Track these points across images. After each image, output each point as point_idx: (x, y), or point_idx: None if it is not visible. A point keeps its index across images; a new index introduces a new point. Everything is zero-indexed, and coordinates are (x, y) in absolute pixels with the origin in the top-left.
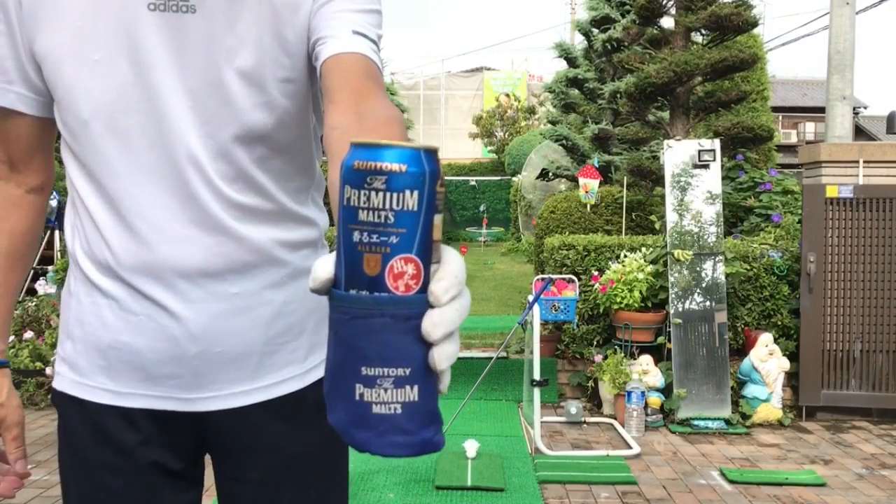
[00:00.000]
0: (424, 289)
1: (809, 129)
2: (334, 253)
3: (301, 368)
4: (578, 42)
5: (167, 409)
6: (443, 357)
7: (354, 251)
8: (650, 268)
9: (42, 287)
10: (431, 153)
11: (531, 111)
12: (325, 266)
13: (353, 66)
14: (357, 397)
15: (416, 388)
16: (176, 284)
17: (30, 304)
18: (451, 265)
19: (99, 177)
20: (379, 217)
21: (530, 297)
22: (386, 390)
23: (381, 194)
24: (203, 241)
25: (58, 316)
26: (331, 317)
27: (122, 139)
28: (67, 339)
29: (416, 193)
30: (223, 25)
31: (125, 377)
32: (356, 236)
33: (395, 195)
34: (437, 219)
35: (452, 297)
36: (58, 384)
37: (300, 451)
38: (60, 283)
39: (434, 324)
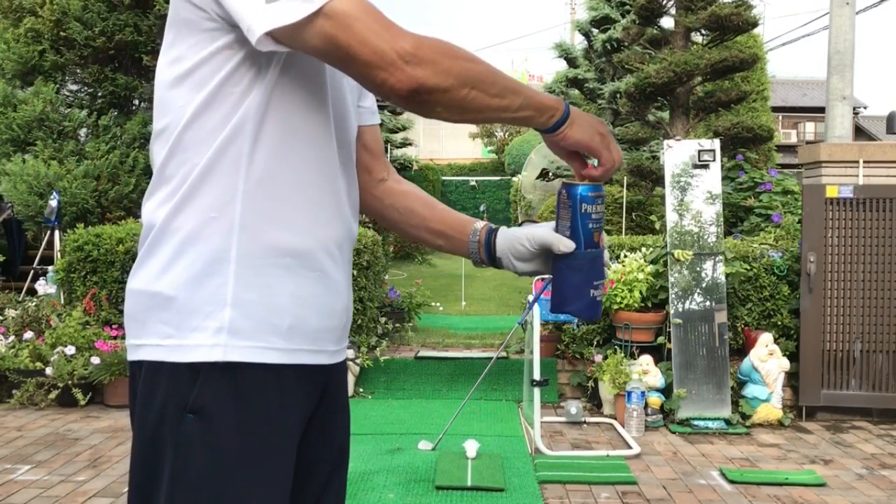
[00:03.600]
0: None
1: (809, 129)
2: (558, 233)
3: None
4: (578, 42)
5: (316, 363)
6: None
7: (589, 231)
8: (650, 268)
9: (42, 287)
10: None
11: None
12: (569, 242)
13: (379, 138)
14: (590, 296)
15: (604, 286)
16: (345, 248)
17: (30, 304)
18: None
19: (327, 151)
20: (598, 214)
21: (530, 297)
22: (599, 290)
23: (597, 206)
24: (355, 210)
25: (58, 316)
26: (574, 262)
27: (334, 121)
28: (224, 307)
29: (602, 201)
30: None
31: (296, 336)
32: (589, 225)
33: (600, 205)
34: None
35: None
36: (206, 355)
37: (349, 412)
38: (60, 283)
39: (606, 258)
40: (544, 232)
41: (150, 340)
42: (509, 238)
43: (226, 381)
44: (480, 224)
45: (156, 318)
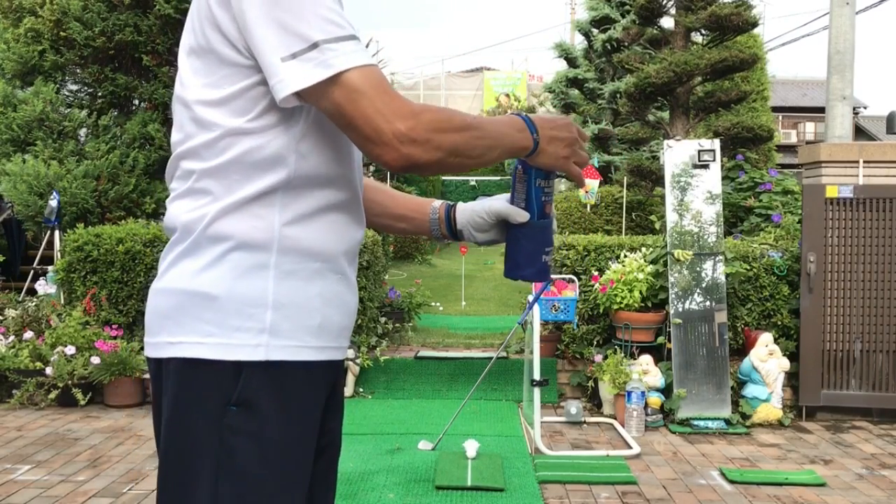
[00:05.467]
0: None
1: (809, 129)
2: (513, 205)
3: None
4: (578, 42)
5: (336, 359)
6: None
7: (541, 203)
8: (650, 268)
9: (42, 287)
10: None
11: (531, 111)
12: (524, 213)
13: None
14: (542, 261)
15: (553, 252)
16: (357, 251)
17: (30, 304)
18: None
19: (352, 169)
20: (549, 188)
21: (530, 297)
22: (549, 255)
23: (549, 181)
24: None
25: (58, 316)
26: (528, 231)
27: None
28: (266, 309)
29: (554, 176)
30: None
31: (324, 334)
32: (542, 198)
33: (552, 180)
34: None
35: None
36: (250, 355)
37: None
38: (60, 283)
39: (555, 226)
40: (500, 205)
41: (188, 338)
42: (468, 212)
43: (267, 378)
44: (438, 202)
45: (195, 316)
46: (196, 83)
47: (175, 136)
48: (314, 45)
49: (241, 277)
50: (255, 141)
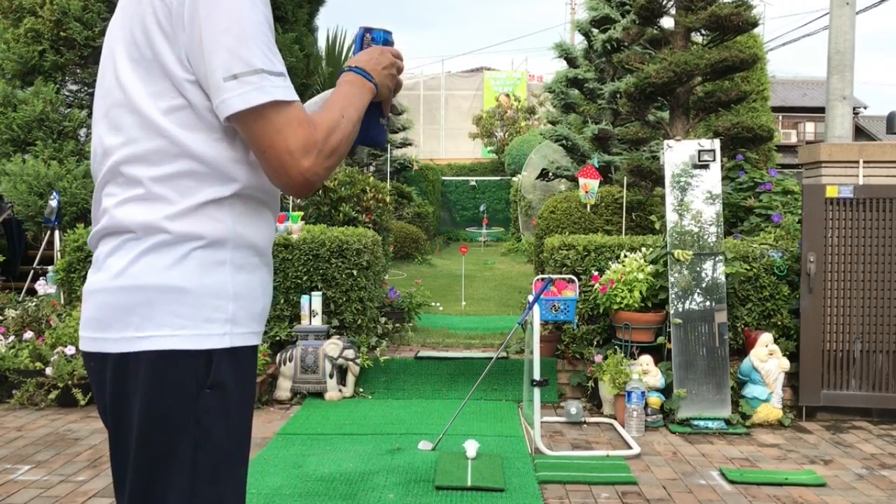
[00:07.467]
0: None
1: (809, 129)
2: None
3: None
4: (578, 42)
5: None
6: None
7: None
8: (650, 268)
9: (42, 287)
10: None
11: (531, 111)
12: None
13: None
14: (380, 124)
15: (389, 119)
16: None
17: (30, 304)
18: None
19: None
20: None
21: (530, 297)
22: (386, 120)
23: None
24: None
25: (58, 316)
26: (369, 110)
27: None
28: (227, 301)
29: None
30: None
31: (262, 320)
32: None
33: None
34: None
35: None
36: (218, 343)
37: None
38: (60, 282)
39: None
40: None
41: (160, 331)
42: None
43: (231, 361)
44: None
45: (166, 310)
46: (141, 90)
47: (112, 139)
48: (256, 71)
49: (206, 272)
50: (207, 153)
